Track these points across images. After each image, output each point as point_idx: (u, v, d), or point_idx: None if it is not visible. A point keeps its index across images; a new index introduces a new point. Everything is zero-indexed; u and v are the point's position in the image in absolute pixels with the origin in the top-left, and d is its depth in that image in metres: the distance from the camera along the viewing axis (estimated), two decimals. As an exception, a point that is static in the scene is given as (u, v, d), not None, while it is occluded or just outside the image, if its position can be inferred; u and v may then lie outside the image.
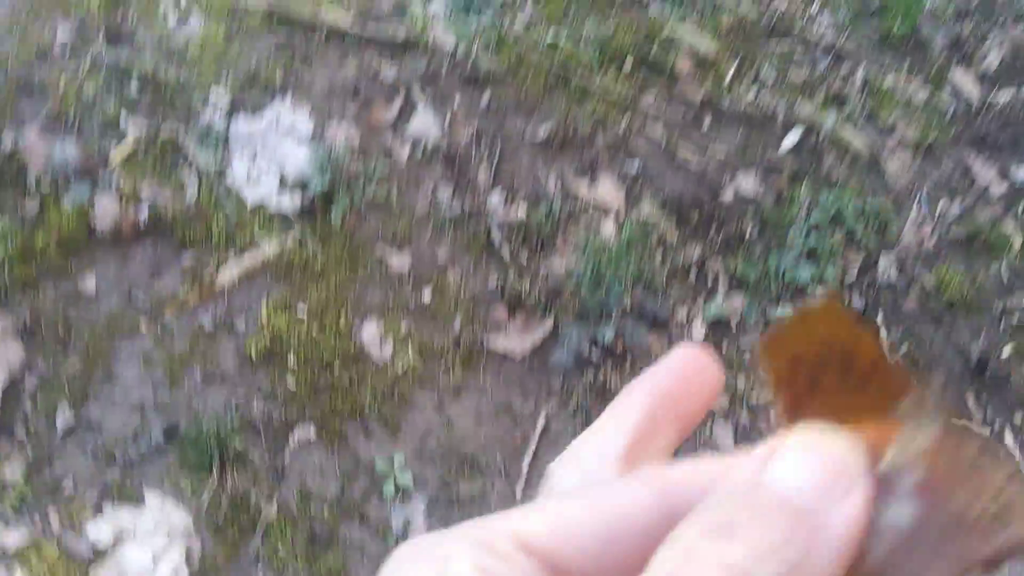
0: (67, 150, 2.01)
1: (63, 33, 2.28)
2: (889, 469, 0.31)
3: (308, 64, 2.30)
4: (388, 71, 2.33)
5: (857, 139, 2.39)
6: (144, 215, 1.95)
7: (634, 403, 0.37)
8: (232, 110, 2.17)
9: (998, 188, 2.34)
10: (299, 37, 2.36)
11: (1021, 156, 2.40)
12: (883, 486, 0.31)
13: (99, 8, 2.33)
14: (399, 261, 2.03)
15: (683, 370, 0.37)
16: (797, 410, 0.34)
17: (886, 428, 0.32)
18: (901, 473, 0.31)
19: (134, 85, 2.17)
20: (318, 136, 2.16)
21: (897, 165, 2.35)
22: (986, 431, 1.91)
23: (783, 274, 2.08)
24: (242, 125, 2.14)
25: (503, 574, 0.27)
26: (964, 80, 2.61)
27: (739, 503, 0.28)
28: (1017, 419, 1.96)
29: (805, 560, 0.27)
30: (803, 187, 2.25)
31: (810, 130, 2.39)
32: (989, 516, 0.32)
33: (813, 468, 0.29)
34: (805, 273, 2.07)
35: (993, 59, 2.67)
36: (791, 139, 2.38)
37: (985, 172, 2.37)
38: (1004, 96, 2.57)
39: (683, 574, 0.26)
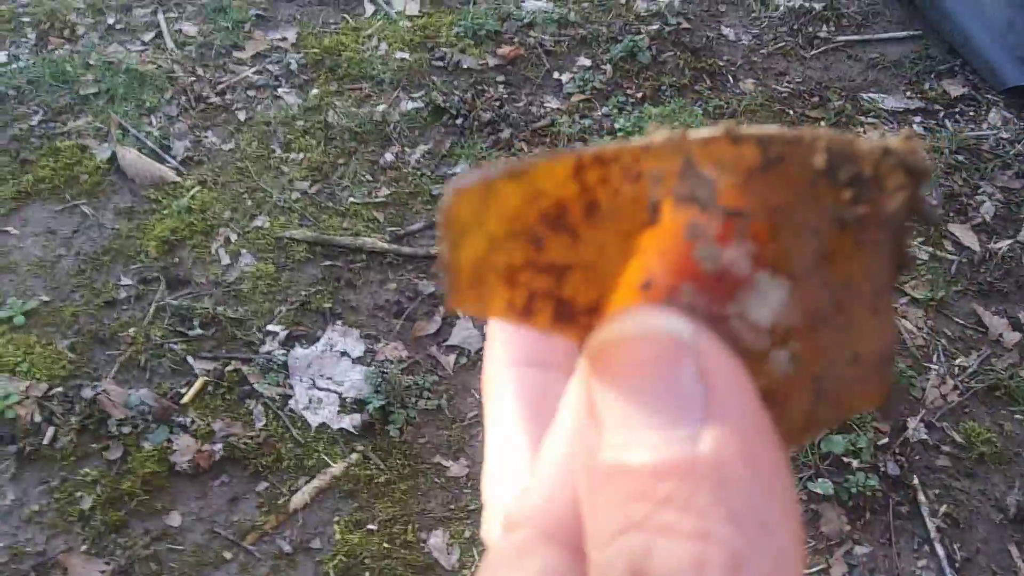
0: (142, 395, 2.17)
1: (127, 282, 2.49)
2: (713, 269, 0.23)
3: (353, 288, 2.50)
4: (426, 286, 2.51)
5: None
6: (218, 449, 2.09)
7: (504, 391, 0.31)
8: (289, 339, 2.35)
9: (1010, 336, 2.48)
10: (342, 262, 2.56)
11: (1027, 303, 2.54)
12: (727, 303, 0.23)
13: (157, 253, 2.54)
14: (457, 468, 2.16)
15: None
16: (565, 315, 0.26)
17: (669, 226, 0.24)
18: (727, 264, 0.24)
19: (197, 325, 2.36)
20: (370, 355, 2.33)
21: (911, 325, 2.50)
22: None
23: (819, 444, 2.20)
24: (300, 353, 2.31)
25: None
26: (963, 233, 2.78)
27: (618, 521, 0.21)
28: (1062, 565, 2.04)
29: (739, 506, 0.20)
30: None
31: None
32: (874, 186, 0.24)
33: (635, 395, 0.21)
34: (839, 445, 2.18)
35: (987, 209, 2.85)
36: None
37: (996, 322, 2.51)
38: (1002, 245, 2.74)
39: None
